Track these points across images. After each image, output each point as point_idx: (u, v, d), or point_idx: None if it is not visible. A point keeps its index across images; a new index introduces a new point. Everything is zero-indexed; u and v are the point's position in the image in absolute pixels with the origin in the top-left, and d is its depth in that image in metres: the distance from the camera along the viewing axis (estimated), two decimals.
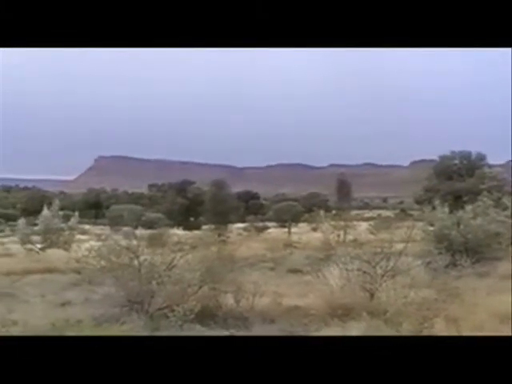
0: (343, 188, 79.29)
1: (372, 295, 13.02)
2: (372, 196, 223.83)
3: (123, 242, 14.42)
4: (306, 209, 72.42)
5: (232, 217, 69.78)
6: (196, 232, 47.22)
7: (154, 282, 12.39)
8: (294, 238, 42.57)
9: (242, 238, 44.69)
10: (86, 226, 59.69)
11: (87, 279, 14.57)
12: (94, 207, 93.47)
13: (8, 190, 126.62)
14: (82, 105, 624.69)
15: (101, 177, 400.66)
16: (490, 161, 43.80)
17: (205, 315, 12.05)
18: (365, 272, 13.44)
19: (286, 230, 58.89)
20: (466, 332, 9.78)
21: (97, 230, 59.15)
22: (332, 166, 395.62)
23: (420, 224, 24.49)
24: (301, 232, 52.15)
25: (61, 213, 32.55)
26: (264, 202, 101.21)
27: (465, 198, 35.61)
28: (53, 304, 14.14)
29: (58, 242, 30.74)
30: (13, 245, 33.88)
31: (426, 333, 9.81)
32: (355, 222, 43.03)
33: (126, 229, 48.27)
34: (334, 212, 48.78)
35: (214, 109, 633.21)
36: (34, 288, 17.09)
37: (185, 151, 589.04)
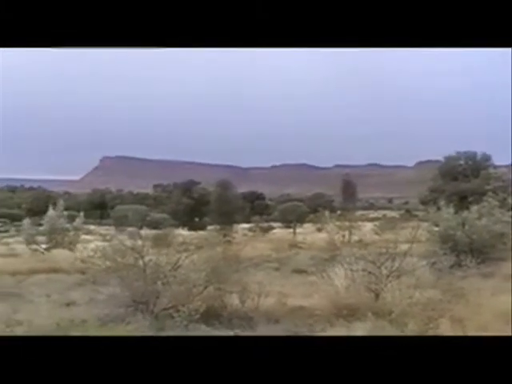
0: (348, 188, 79.51)
1: (377, 296, 13.01)
2: (377, 196, 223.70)
3: (128, 243, 14.44)
4: (311, 209, 72.47)
5: (237, 217, 69.83)
6: (201, 232, 47.17)
7: (159, 283, 12.40)
8: (299, 238, 42.52)
9: (247, 238, 44.61)
10: (91, 227, 59.72)
11: (92, 279, 14.60)
12: (99, 207, 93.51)
13: (13, 190, 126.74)
14: (85, 105, 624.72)
15: (106, 177, 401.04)
16: (496, 161, 43.81)
17: (210, 315, 12.05)
18: (370, 272, 13.43)
19: (291, 230, 58.80)
20: (471, 332, 9.76)
21: (102, 230, 59.17)
22: (337, 166, 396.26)
23: (425, 224, 24.48)
24: (306, 232, 52.10)
25: (66, 213, 32.53)
26: (269, 202, 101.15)
27: (470, 199, 35.58)
28: (58, 304, 14.15)
29: (63, 243, 30.74)
30: (18, 245, 33.87)
31: (431, 333, 9.80)
32: (360, 223, 42.89)
33: (131, 229, 48.26)
34: (339, 212, 48.89)
35: (216, 109, 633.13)
36: (39, 288, 17.09)
37: (189, 151, 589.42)
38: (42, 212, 36.08)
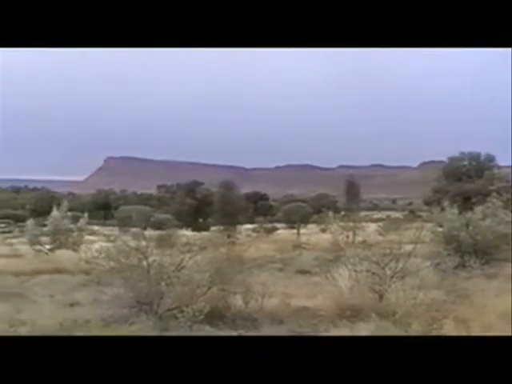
0: (352, 189, 79.44)
1: (381, 296, 13.00)
2: (381, 197, 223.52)
3: (132, 243, 14.46)
4: (314, 210, 72.26)
5: (241, 218, 69.78)
6: (205, 233, 47.19)
7: (162, 283, 12.40)
8: (303, 239, 42.49)
9: (250, 239, 44.55)
10: (95, 227, 59.69)
11: (96, 280, 14.62)
12: (102, 208, 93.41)
13: (17, 190, 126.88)
14: (90, 105, 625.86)
15: (110, 177, 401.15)
16: (499, 162, 43.79)
17: (214, 316, 12.05)
18: (374, 273, 13.43)
19: (294, 231, 58.81)
20: (475, 333, 9.74)
21: (106, 230, 59.11)
22: (341, 167, 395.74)
23: (429, 225, 24.44)
24: (310, 233, 52.07)
25: (70, 214, 32.57)
26: (273, 203, 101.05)
27: (474, 199, 35.61)
28: (61, 304, 14.17)
29: (66, 243, 30.77)
30: (22, 245, 33.91)
31: (435, 334, 9.79)
32: (364, 223, 42.81)
33: (134, 230, 48.40)
34: (342, 213, 48.73)
35: (218, 109, 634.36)
36: (43, 288, 17.13)
37: (192, 152, 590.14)
38: (46, 213, 36.04)
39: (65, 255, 27.12)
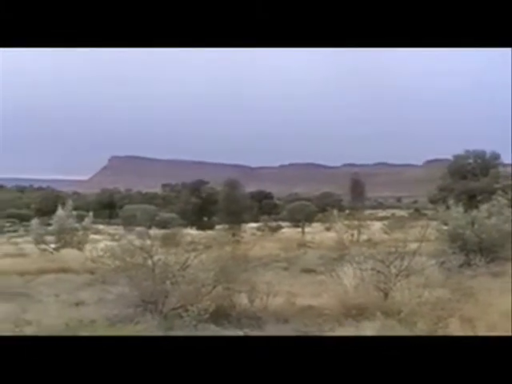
0: (357, 187, 79.52)
1: (386, 295, 12.97)
2: (386, 195, 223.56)
3: (137, 242, 14.43)
4: (319, 208, 72.23)
5: (246, 216, 69.78)
6: (210, 232, 47.19)
7: (167, 282, 12.39)
8: (308, 237, 42.51)
9: (255, 237, 44.59)
10: (100, 226, 59.85)
11: (101, 279, 14.62)
12: (107, 207, 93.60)
13: (22, 190, 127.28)
14: (94, 105, 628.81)
15: (114, 177, 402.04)
16: (505, 160, 43.72)
17: (219, 315, 12.04)
18: (379, 272, 13.40)
19: (299, 229, 58.84)
20: (481, 332, 9.71)
21: (111, 229, 59.26)
22: (345, 165, 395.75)
23: (434, 223, 24.41)
24: (314, 232, 52.06)
25: (75, 213, 32.60)
26: (277, 201, 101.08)
27: (479, 198, 35.58)
28: (67, 304, 14.17)
29: (71, 242, 30.80)
30: (27, 245, 33.97)
31: (440, 333, 9.76)
32: (369, 222, 42.85)
33: (139, 229, 48.42)
34: (347, 211, 48.84)
35: (219, 109, 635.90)
36: (48, 288, 17.13)
37: (197, 151, 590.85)
38: (51, 212, 36.14)
39: (70, 254, 27.12)
